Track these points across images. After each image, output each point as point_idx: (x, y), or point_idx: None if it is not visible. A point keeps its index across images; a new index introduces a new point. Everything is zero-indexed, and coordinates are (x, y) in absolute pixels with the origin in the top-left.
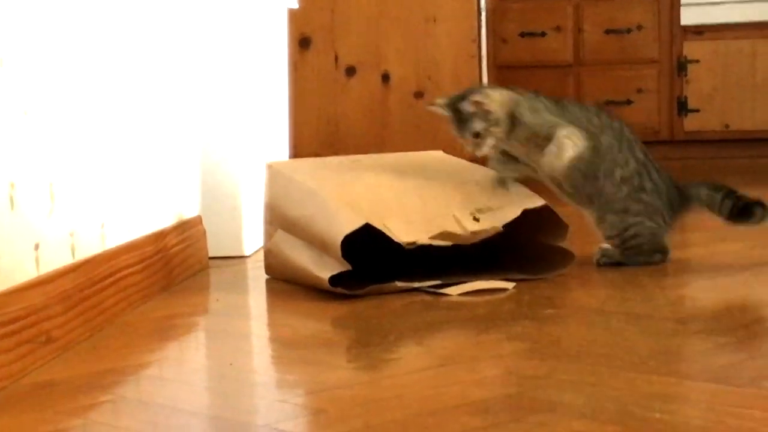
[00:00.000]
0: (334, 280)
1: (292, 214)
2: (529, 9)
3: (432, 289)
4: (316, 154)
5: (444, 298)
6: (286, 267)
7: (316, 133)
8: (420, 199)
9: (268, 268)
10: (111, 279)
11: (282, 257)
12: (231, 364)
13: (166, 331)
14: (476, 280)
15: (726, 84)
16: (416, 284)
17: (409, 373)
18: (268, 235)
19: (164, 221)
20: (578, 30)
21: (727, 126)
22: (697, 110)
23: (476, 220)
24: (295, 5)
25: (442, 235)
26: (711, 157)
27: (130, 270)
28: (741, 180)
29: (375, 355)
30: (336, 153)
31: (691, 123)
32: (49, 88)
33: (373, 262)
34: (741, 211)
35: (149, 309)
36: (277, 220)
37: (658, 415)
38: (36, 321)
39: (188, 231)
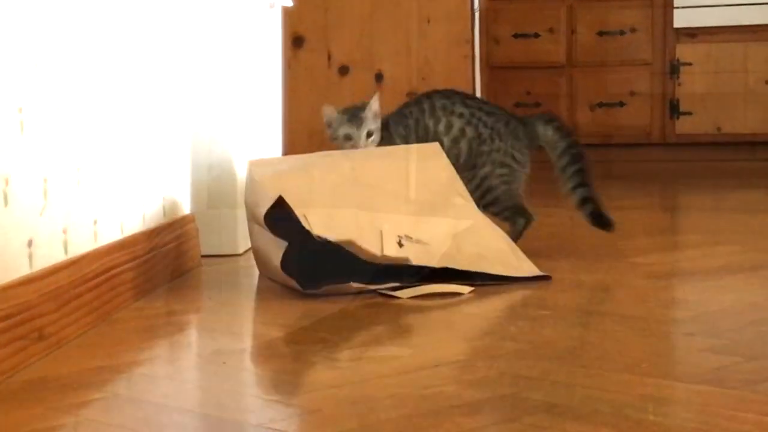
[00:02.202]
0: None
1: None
2: (522, 10)
3: (385, 292)
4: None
5: (436, 299)
6: (262, 261)
7: (309, 131)
8: (360, 200)
9: (259, 265)
10: (104, 276)
11: (261, 252)
12: (224, 363)
13: (159, 328)
14: (434, 283)
15: (718, 87)
16: (372, 286)
17: (404, 373)
18: (251, 233)
19: (157, 219)
20: (571, 31)
21: (719, 129)
22: (690, 113)
23: (400, 245)
24: (290, 3)
25: (350, 243)
26: (703, 159)
27: (123, 267)
28: (732, 183)
29: (369, 355)
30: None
31: (683, 125)
32: (43, 85)
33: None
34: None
35: (142, 306)
36: (252, 216)
37: (652, 417)
38: (29, 318)
39: (181, 229)
